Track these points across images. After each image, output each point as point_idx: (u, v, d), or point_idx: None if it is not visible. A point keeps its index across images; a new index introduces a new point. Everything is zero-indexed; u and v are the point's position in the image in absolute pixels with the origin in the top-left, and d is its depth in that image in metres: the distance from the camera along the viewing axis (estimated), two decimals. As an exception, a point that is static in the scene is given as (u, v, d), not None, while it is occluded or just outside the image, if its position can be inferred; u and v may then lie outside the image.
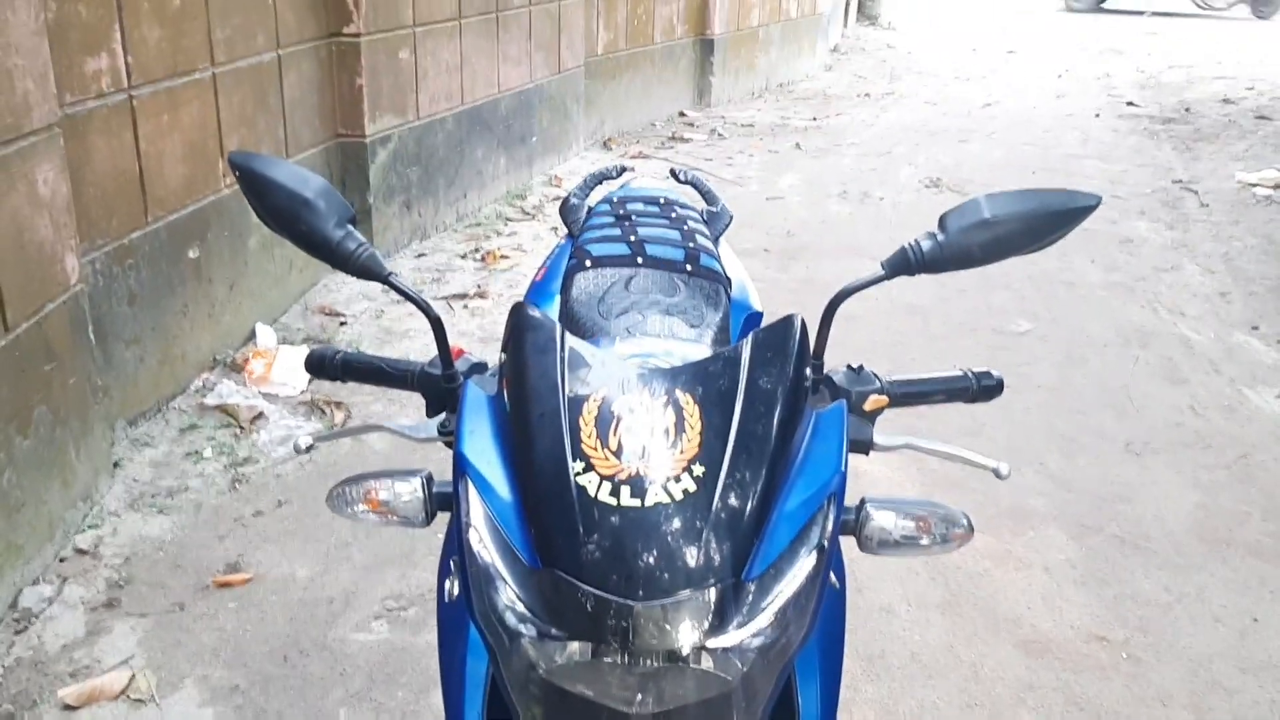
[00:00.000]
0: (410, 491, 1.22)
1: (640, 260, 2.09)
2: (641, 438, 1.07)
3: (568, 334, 1.18)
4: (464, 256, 5.31)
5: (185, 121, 3.69)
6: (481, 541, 1.08)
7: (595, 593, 0.99)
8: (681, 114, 9.18)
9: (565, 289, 2.08)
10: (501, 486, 1.10)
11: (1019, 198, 1.24)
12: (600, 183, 2.50)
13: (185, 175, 3.72)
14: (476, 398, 1.19)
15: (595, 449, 1.06)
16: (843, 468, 1.13)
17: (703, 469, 1.05)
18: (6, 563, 2.61)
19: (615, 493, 1.02)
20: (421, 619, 2.64)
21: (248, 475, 3.25)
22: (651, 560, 1.00)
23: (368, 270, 1.27)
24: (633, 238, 2.14)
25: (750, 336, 1.18)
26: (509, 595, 1.05)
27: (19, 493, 2.66)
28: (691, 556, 1.01)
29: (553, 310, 2.09)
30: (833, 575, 1.30)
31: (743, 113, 9.54)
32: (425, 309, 1.29)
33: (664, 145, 8.13)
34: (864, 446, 1.31)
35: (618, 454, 1.05)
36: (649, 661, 1.00)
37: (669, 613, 0.99)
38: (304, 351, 4.00)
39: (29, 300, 2.72)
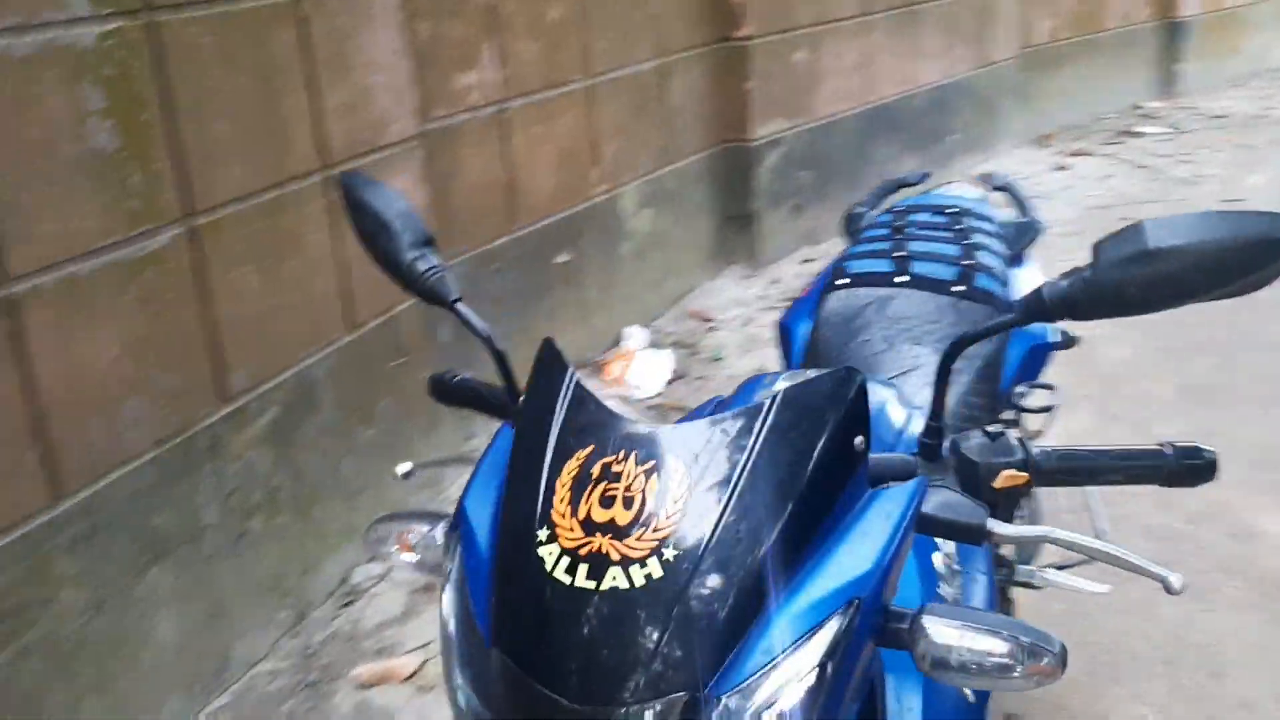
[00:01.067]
0: (436, 536, 1.13)
1: (899, 279, 1.85)
2: (614, 508, 0.89)
3: (579, 376, 1.02)
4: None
5: (558, 131, 3.85)
6: (449, 606, 0.97)
7: (534, 688, 0.85)
8: (1137, 106, 8.27)
9: (818, 308, 1.90)
10: (485, 546, 0.97)
11: (1199, 222, 0.90)
12: (895, 190, 2.27)
13: (555, 184, 3.87)
14: (504, 442, 1.07)
15: (564, 516, 0.90)
16: (885, 562, 0.89)
17: (675, 552, 0.86)
18: (343, 541, 2.84)
19: (572, 570, 0.86)
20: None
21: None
22: (598, 658, 0.84)
23: (434, 294, 1.20)
24: (899, 253, 1.90)
25: (781, 392, 0.95)
26: (458, 670, 0.93)
27: (360, 479, 2.88)
28: (645, 659, 0.83)
29: (804, 332, 1.91)
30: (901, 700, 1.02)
31: (1215, 103, 8.41)
32: (488, 342, 1.18)
33: (1111, 141, 7.36)
34: (975, 535, 1.00)
35: (585, 524, 0.88)
36: None
37: None
38: (666, 356, 4.03)
39: (379, 301, 2.93)
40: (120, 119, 2.16)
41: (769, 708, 0.83)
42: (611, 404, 0.99)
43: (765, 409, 0.93)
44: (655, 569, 0.85)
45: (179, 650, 2.34)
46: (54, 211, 2.04)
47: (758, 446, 0.91)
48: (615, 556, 0.86)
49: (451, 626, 0.96)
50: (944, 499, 1.00)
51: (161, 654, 2.30)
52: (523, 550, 0.90)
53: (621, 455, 0.91)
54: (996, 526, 0.99)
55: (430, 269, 1.20)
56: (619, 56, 4.12)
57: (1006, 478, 1.02)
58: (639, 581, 0.85)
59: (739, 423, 0.93)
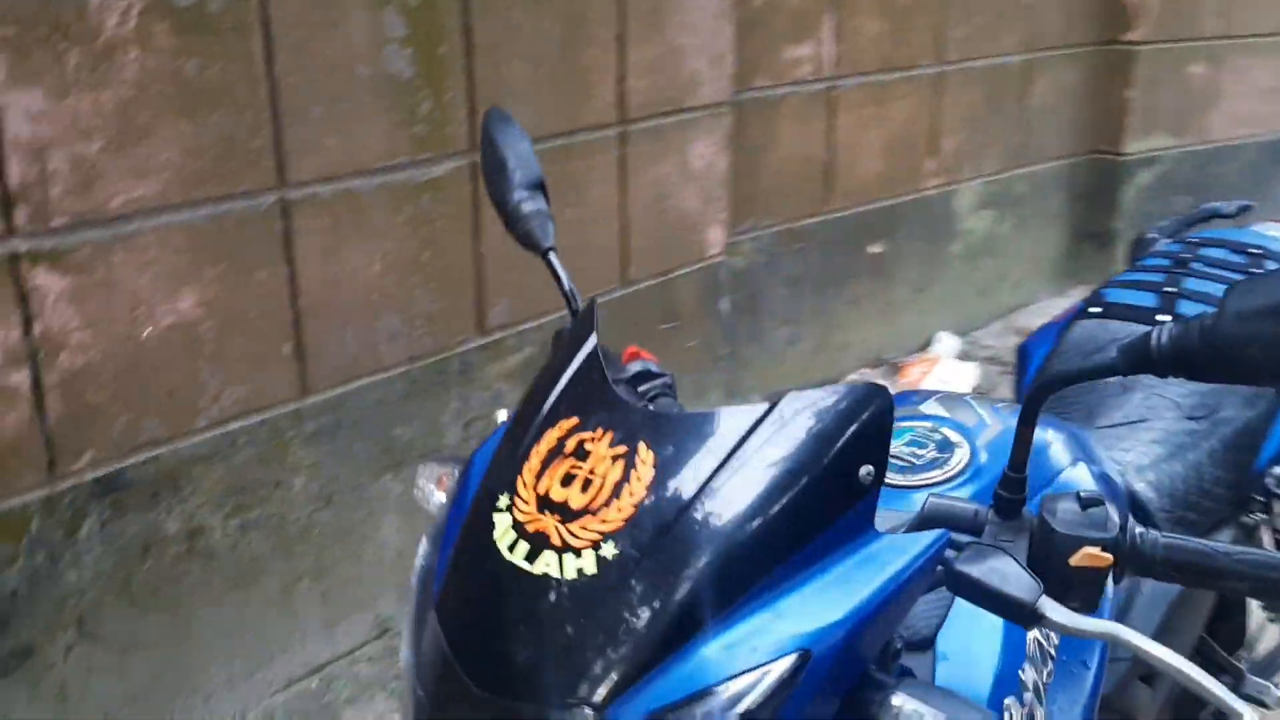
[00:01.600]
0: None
1: (1160, 317, 1.60)
2: (571, 489, 0.81)
3: (600, 345, 0.93)
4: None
5: (893, 116, 3.68)
6: (421, 555, 0.93)
7: (450, 661, 0.79)
8: None
9: (1061, 335, 1.69)
10: (469, 501, 0.92)
11: None
12: (1204, 220, 1.97)
13: (881, 170, 3.71)
14: None
15: (525, 486, 0.83)
16: (861, 616, 0.75)
17: (615, 551, 0.76)
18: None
19: (514, 545, 0.80)
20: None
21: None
22: (509, 645, 0.77)
23: (529, 237, 1.14)
24: (1171, 289, 1.65)
25: (787, 396, 0.82)
26: (408, 624, 0.90)
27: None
28: (555, 659, 0.75)
29: (1040, 359, 1.70)
30: None
31: None
32: (569, 299, 1.11)
33: None
34: (1021, 615, 0.81)
35: (541, 499, 0.81)
36: None
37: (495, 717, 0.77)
38: (971, 370, 3.78)
39: (656, 262, 2.94)
40: (419, 48, 2.28)
41: None
42: (621, 389, 0.91)
43: (764, 413, 0.81)
44: (589, 564, 0.77)
45: (399, 555, 2.47)
46: (341, 128, 2.19)
47: (741, 452, 0.80)
48: (555, 540, 0.78)
49: (414, 578, 0.93)
50: (996, 565, 0.83)
51: (382, 555, 2.44)
52: (483, 514, 0.84)
53: (599, 434, 0.83)
54: (1050, 609, 0.80)
55: (533, 212, 1.15)
56: (979, 46, 3.87)
57: (1085, 555, 0.83)
58: (570, 574, 0.77)
59: (733, 422, 0.82)
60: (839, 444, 0.79)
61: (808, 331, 3.62)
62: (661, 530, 0.77)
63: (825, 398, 0.82)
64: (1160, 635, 1.39)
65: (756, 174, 3.31)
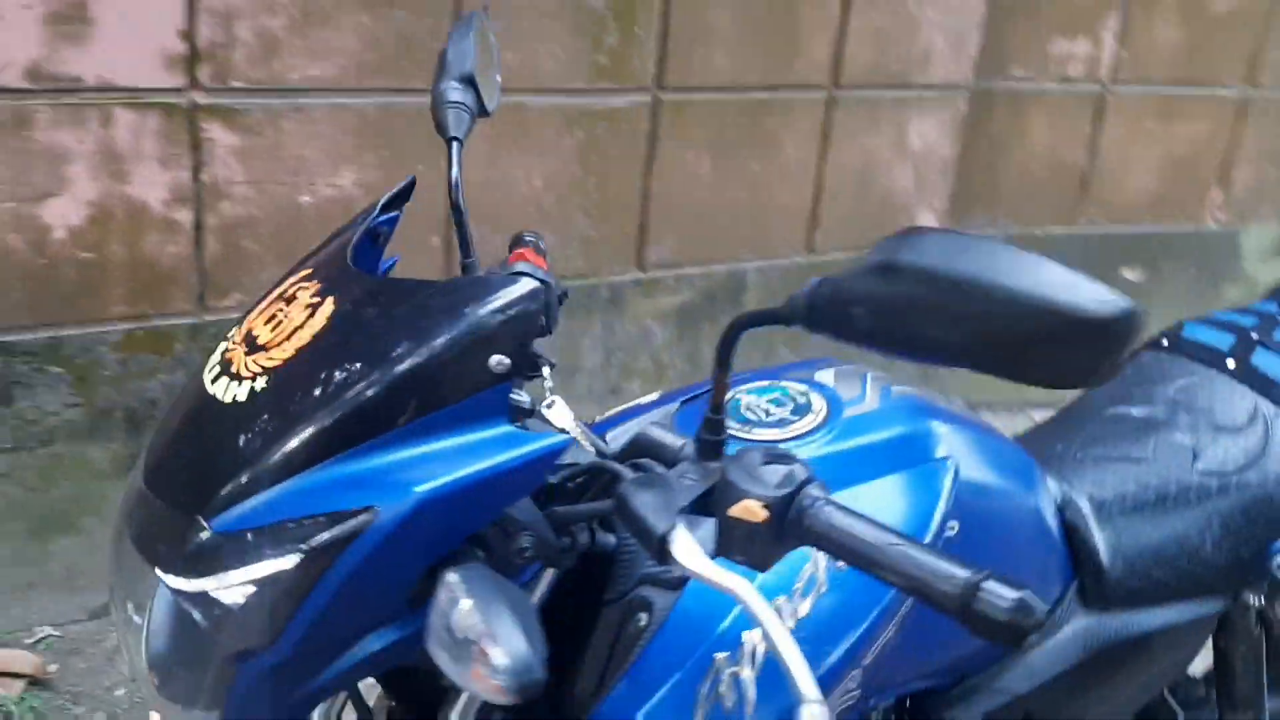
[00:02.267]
0: None
1: (1229, 362, 1.43)
2: (266, 327, 0.87)
3: (368, 227, 0.97)
4: None
5: (1178, 135, 3.35)
6: None
7: (140, 477, 0.88)
8: None
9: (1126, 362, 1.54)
10: None
11: (995, 255, 0.66)
12: None
13: (1152, 191, 3.39)
14: None
15: (243, 323, 0.90)
16: (442, 491, 0.79)
17: (265, 385, 0.83)
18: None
19: (215, 376, 0.87)
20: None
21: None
22: (176, 456, 0.87)
23: (441, 124, 1.15)
24: (1256, 335, 1.47)
25: (456, 279, 0.89)
26: None
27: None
28: (192, 469, 0.84)
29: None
30: None
31: None
32: (452, 191, 1.11)
33: None
34: (648, 542, 0.78)
35: (246, 336, 0.88)
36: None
37: (150, 514, 0.85)
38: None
39: (850, 234, 2.86)
40: (613, -19, 2.36)
41: (246, 573, 0.78)
42: None
43: (435, 288, 0.85)
44: (244, 392, 0.83)
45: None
46: (520, 44, 2.30)
47: (397, 316, 0.84)
48: (234, 370, 0.85)
49: None
50: (651, 495, 0.80)
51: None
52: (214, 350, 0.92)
53: (311, 286, 0.89)
54: (680, 547, 0.77)
55: (455, 101, 1.17)
56: (1306, 73, 3.43)
57: (742, 507, 0.78)
58: (227, 398, 0.84)
59: (409, 291, 0.86)
60: (473, 328, 0.81)
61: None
62: (305, 374, 0.82)
63: (488, 283, 0.83)
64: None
65: (996, 168, 3.14)
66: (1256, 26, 3.30)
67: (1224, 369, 1.44)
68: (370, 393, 0.80)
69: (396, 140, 2.24)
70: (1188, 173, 3.41)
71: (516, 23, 2.28)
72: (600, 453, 0.94)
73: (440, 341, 0.81)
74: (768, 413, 1.10)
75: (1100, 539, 1.25)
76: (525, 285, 0.83)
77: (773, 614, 0.75)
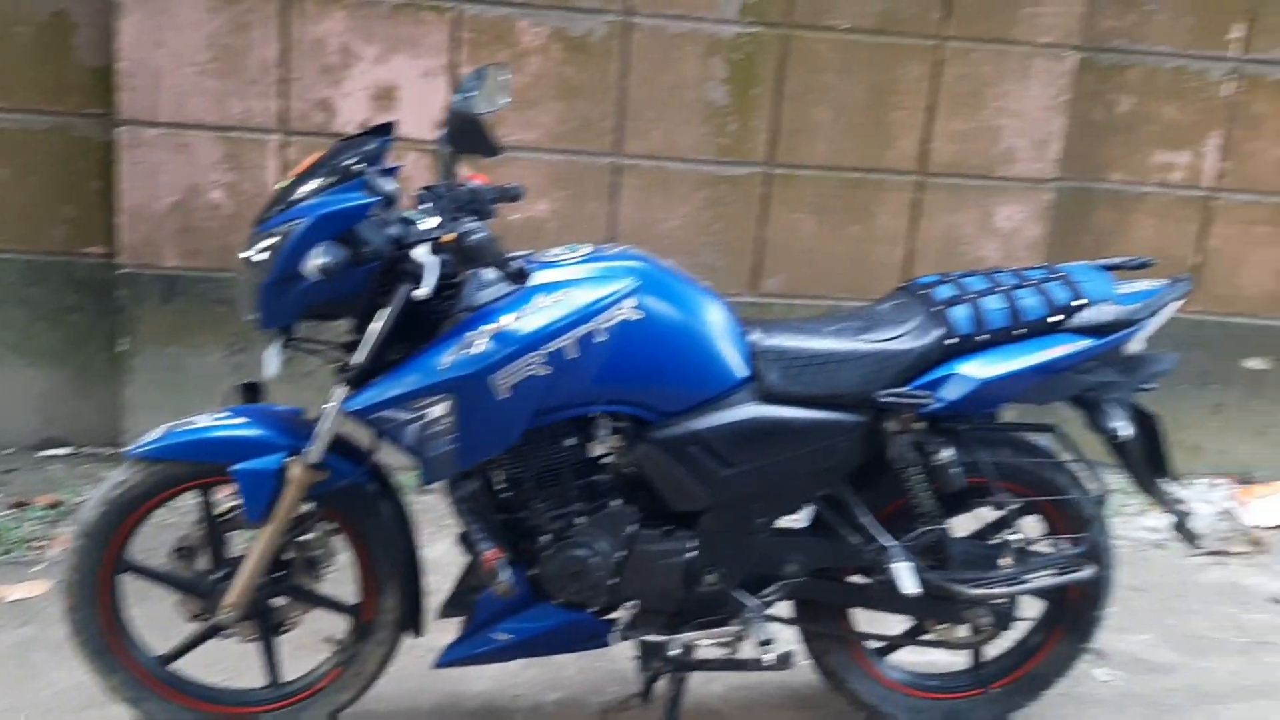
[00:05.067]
0: None
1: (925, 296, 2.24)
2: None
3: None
4: None
5: (1295, 240, 3.75)
6: None
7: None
8: None
9: None
10: None
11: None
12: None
13: (1275, 290, 3.78)
14: None
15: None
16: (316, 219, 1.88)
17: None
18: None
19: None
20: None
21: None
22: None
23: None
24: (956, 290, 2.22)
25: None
26: None
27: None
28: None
29: None
30: None
31: None
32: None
33: None
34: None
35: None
36: None
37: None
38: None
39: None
40: (734, 86, 3.46)
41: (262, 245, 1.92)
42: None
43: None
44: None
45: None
46: (666, 128, 3.46)
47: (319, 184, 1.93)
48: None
49: None
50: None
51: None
52: None
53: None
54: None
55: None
56: None
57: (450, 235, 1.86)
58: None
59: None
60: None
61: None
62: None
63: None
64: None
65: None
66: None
67: (923, 299, 2.19)
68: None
69: (577, 185, 3.46)
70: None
71: (660, 112, 3.44)
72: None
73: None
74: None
75: (770, 362, 2.09)
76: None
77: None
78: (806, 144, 3.53)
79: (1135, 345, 2.16)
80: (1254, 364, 3.84)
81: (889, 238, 3.61)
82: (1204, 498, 3.65)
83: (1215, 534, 3.43)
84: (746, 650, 2.14)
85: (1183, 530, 2.31)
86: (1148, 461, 2.25)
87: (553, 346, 1.93)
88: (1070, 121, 3.59)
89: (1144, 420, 2.22)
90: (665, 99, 3.45)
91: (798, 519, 2.24)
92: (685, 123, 3.47)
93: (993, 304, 2.11)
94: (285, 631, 2.18)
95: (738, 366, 2.07)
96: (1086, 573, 2.20)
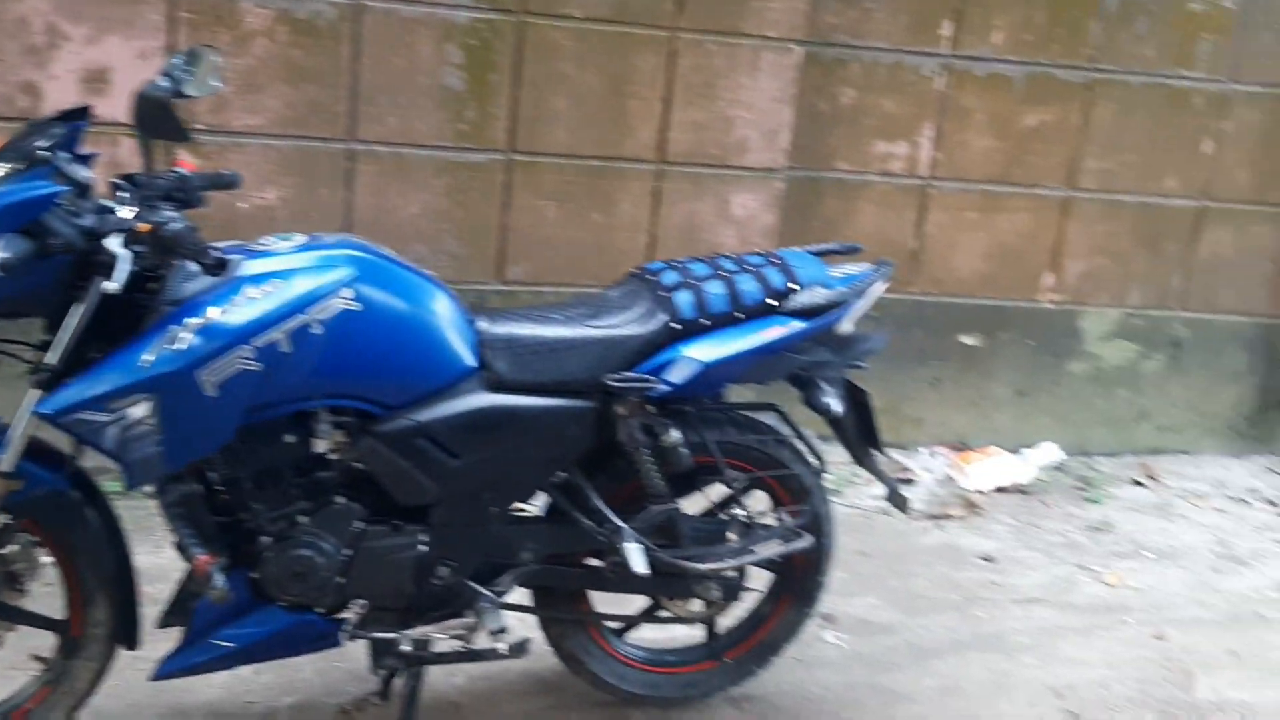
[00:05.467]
0: None
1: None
2: None
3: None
4: None
5: (1003, 227, 4.04)
6: None
7: None
8: None
9: None
10: None
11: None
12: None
13: (985, 271, 4.07)
14: None
15: None
16: None
17: None
18: None
19: None
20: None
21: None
22: None
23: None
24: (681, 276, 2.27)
25: None
26: None
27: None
28: None
29: None
30: None
31: None
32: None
33: None
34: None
35: None
36: None
37: None
38: (1019, 467, 3.96)
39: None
40: (471, 73, 3.43)
41: None
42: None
43: None
44: None
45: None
46: (402, 113, 3.39)
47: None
48: None
49: None
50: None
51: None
52: None
53: None
54: None
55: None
56: (1128, 181, 4.09)
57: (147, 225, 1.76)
58: None
59: None
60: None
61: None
62: None
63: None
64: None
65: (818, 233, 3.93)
66: (1073, 138, 4.01)
67: (651, 284, 2.24)
68: None
69: (307, 171, 3.35)
70: (1018, 256, 4.08)
71: (395, 97, 3.37)
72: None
73: None
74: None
75: (497, 351, 2.07)
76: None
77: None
78: (547, 131, 3.54)
79: (845, 326, 2.28)
80: (968, 340, 4.12)
81: (631, 225, 3.67)
82: (925, 466, 3.89)
83: (935, 499, 3.68)
84: (481, 641, 2.14)
85: (894, 498, 2.46)
86: (860, 435, 2.38)
87: (263, 340, 1.85)
88: (798, 113, 3.74)
89: (856, 396, 2.35)
90: (400, 84, 3.38)
91: (531, 506, 2.25)
92: (422, 109, 3.42)
93: (715, 289, 2.18)
94: (-12, 653, 2.02)
95: (464, 356, 2.06)
96: (807, 541, 2.30)
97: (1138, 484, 4.06)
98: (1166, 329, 4.23)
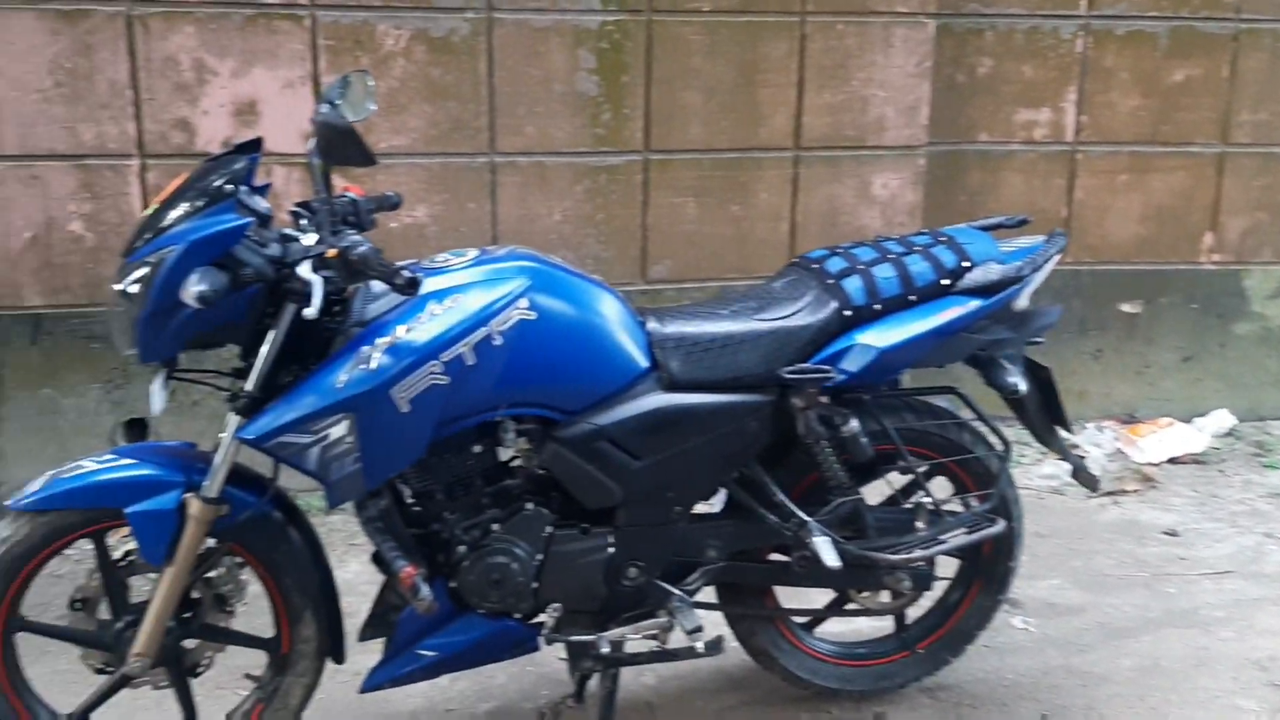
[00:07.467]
0: None
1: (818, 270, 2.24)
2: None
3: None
4: None
5: (1157, 188, 3.89)
6: None
7: None
8: None
9: None
10: None
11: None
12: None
13: (1141, 235, 3.92)
14: None
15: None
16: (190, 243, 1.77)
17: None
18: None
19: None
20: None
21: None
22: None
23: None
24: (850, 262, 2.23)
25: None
26: None
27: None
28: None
29: None
30: None
31: None
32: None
33: None
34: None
35: None
36: None
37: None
38: (1196, 437, 3.80)
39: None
40: (604, 76, 3.44)
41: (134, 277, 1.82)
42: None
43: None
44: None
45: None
46: (539, 122, 3.42)
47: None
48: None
49: None
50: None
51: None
52: None
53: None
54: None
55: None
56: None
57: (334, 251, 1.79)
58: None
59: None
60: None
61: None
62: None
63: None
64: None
65: (977, 216, 3.83)
66: (1219, 90, 3.84)
67: (816, 273, 2.20)
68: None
69: (454, 186, 3.40)
70: (1178, 217, 3.92)
71: (532, 107, 3.40)
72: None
73: None
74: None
75: (669, 351, 2.07)
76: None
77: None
78: (681, 128, 3.52)
79: (1022, 301, 2.21)
80: (1128, 308, 3.98)
81: (771, 214, 3.63)
82: (1093, 441, 3.77)
83: (1108, 475, 3.55)
84: (676, 640, 2.13)
85: (1082, 476, 2.38)
86: (1043, 413, 2.31)
87: (450, 354, 1.88)
88: (934, 87, 3.66)
89: (1037, 373, 2.28)
90: (536, 93, 3.41)
91: (713, 504, 2.23)
92: (558, 116, 3.43)
93: (884, 273, 2.13)
94: (200, 673, 2.09)
95: (638, 357, 2.05)
96: (998, 527, 2.24)
97: (1320, 446, 3.86)
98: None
